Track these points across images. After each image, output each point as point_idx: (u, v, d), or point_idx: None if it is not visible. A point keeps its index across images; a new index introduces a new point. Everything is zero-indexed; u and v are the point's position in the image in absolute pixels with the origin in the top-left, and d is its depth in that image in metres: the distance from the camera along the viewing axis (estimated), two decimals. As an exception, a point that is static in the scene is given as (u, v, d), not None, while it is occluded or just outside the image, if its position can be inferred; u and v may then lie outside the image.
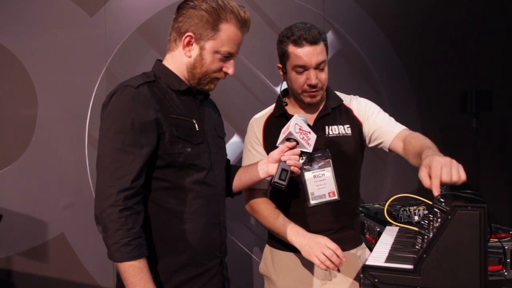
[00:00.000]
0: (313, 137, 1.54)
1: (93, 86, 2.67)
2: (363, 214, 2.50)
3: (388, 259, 1.29)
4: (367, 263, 1.27)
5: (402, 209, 2.34)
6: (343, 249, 1.59)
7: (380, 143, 1.72)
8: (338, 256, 1.48)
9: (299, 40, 1.58)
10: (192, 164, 1.37)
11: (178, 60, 1.42)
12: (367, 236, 2.43)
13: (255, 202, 1.72)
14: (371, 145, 1.76)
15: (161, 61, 1.47)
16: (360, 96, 1.83)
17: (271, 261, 1.76)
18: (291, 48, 1.61)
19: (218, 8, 1.35)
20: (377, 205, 2.70)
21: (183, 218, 1.36)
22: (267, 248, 1.82)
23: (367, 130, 1.73)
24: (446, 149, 3.08)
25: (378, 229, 2.28)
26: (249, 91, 2.79)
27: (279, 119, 1.74)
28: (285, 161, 1.47)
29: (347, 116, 1.75)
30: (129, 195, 1.23)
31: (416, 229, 1.47)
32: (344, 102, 1.77)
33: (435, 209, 1.44)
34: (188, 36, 1.37)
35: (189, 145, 1.36)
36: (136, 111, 1.27)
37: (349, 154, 1.70)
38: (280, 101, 1.78)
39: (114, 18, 2.68)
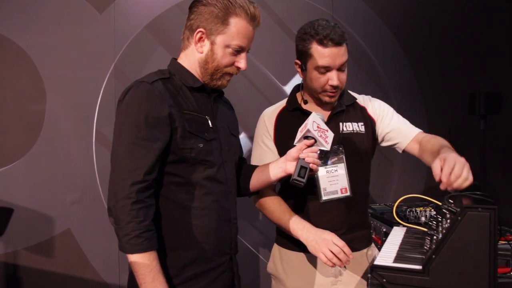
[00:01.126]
0: (330, 135, 1.53)
1: (101, 83, 2.68)
2: (369, 215, 2.49)
3: (397, 259, 1.29)
4: (375, 263, 1.27)
5: (408, 210, 2.34)
6: (354, 249, 1.59)
7: (395, 144, 1.73)
8: (345, 253, 1.47)
9: (325, 40, 1.55)
10: (203, 160, 1.38)
11: (192, 58, 1.44)
12: (373, 236, 2.42)
13: (263, 197, 1.72)
14: (384, 144, 1.76)
15: (175, 59, 1.48)
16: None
17: (280, 261, 1.75)
18: (315, 47, 1.58)
19: (227, 3, 1.37)
20: (383, 206, 2.69)
21: (194, 213, 1.37)
22: (276, 247, 1.80)
23: (381, 129, 1.74)
24: (454, 150, 3.07)
25: (384, 230, 2.27)
26: (257, 90, 2.79)
27: (292, 113, 1.73)
28: (303, 159, 1.46)
29: (361, 114, 1.75)
30: (141, 188, 1.25)
31: (425, 229, 1.46)
32: (357, 101, 1.77)
33: (444, 210, 1.44)
34: (199, 32, 1.39)
35: (201, 140, 1.37)
36: (150, 105, 1.30)
37: (362, 152, 1.70)
38: (294, 95, 1.77)
39: (123, 15, 2.69)
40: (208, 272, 1.40)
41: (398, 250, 1.39)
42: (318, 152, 1.51)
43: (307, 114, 1.67)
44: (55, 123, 2.67)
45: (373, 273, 1.24)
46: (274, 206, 1.68)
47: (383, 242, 2.32)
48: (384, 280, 1.22)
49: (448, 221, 1.25)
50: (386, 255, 1.34)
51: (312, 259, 1.68)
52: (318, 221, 1.64)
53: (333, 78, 1.59)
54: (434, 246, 1.22)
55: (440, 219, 1.44)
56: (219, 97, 1.55)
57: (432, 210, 2.33)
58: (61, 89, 2.67)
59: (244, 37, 1.40)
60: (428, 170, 1.37)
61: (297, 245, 1.64)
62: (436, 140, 1.59)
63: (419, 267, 1.21)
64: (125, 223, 1.23)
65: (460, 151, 3.24)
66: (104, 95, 2.67)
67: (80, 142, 2.69)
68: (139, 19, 2.71)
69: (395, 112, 1.77)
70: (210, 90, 1.47)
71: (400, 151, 1.74)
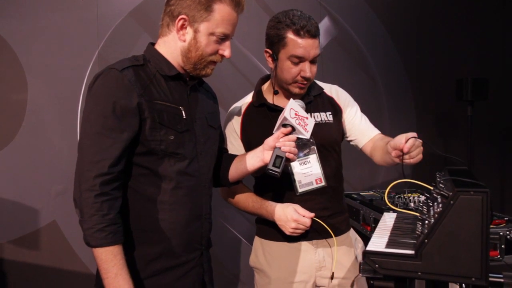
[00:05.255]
0: (311, 122, 1.50)
1: (85, 70, 2.61)
2: (358, 202, 2.50)
3: (389, 245, 1.28)
4: (368, 248, 1.26)
5: (397, 196, 2.35)
6: (336, 234, 1.68)
7: (353, 140, 1.79)
8: (304, 222, 1.57)
9: (302, 31, 1.55)
10: (174, 153, 1.33)
11: (172, 46, 1.37)
12: (362, 223, 2.43)
13: (230, 191, 1.73)
14: (344, 137, 1.81)
15: (153, 44, 1.42)
16: (356, 83, 1.86)
17: (262, 253, 1.74)
18: (291, 37, 1.57)
19: None
20: (371, 192, 2.71)
21: (161, 207, 1.33)
22: (257, 239, 1.79)
23: (346, 121, 1.78)
24: (440, 136, 3.11)
25: (373, 216, 2.28)
26: (243, 76, 2.75)
27: (258, 109, 1.71)
28: (279, 148, 1.42)
29: (329, 103, 1.76)
30: (106, 181, 1.22)
31: (416, 214, 1.46)
32: (324, 90, 1.78)
33: (435, 194, 1.43)
34: (181, 19, 1.33)
35: (172, 132, 1.32)
36: (118, 95, 1.25)
37: (332, 140, 1.72)
38: (259, 89, 1.74)
39: (107, 1, 2.62)
40: (176, 268, 1.36)
41: (390, 236, 1.38)
42: (297, 140, 1.48)
43: (274, 109, 1.67)
44: (37, 113, 2.60)
45: (365, 258, 1.23)
46: (243, 196, 1.70)
47: (372, 228, 2.34)
48: (377, 265, 1.22)
49: (440, 205, 1.25)
50: (377, 240, 1.34)
51: (295, 248, 1.68)
52: None
53: (306, 69, 1.59)
54: (426, 231, 1.22)
55: (431, 204, 1.44)
56: (199, 85, 1.48)
57: (421, 195, 2.35)
58: (43, 78, 2.60)
59: (228, 24, 1.35)
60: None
61: (279, 235, 1.65)
62: (387, 138, 1.68)
63: (411, 251, 1.20)
64: (89, 215, 1.21)
65: (447, 136, 3.28)
66: (88, 83, 2.60)
67: (64, 132, 2.62)
68: (123, 4, 2.64)
69: (358, 109, 1.81)
70: (188, 78, 1.41)
71: (358, 149, 1.81)
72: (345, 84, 1.90)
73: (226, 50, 1.38)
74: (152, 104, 1.29)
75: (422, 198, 2.28)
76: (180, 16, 1.32)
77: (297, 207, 1.60)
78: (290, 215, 1.58)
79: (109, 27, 2.62)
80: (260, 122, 1.66)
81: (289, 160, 1.45)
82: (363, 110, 1.85)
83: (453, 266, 1.15)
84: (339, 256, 1.70)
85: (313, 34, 1.56)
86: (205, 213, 1.44)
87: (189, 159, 1.37)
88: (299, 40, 1.56)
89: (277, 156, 1.41)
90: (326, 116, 1.73)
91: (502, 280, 1.18)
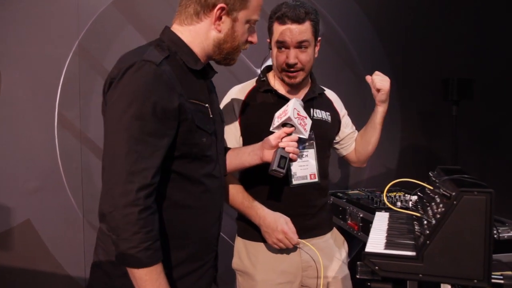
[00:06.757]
0: (309, 122, 1.51)
1: (64, 61, 2.48)
2: (344, 200, 2.48)
3: (388, 246, 1.25)
4: (367, 250, 1.23)
5: (382, 194, 2.34)
6: (319, 234, 1.73)
7: (341, 147, 1.92)
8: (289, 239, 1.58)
9: (283, 17, 1.59)
10: (204, 155, 1.24)
11: (202, 36, 1.25)
12: (349, 222, 2.40)
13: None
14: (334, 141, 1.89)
15: (172, 31, 1.28)
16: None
17: (246, 255, 1.71)
18: (275, 25, 1.62)
19: None
20: (356, 191, 2.70)
21: (190, 212, 1.24)
22: (240, 241, 1.75)
23: (341, 127, 1.87)
24: (426, 135, 3.12)
25: (361, 215, 2.26)
26: (228, 71, 2.69)
27: (264, 94, 1.71)
28: (283, 148, 1.43)
29: (328, 105, 1.82)
30: (149, 193, 1.09)
31: (412, 213, 1.43)
32: (325, 92, 1.85)
33: (431, 194, 1.41)
34: (220, 8, 1.21)
35: (205, 134, 1.23)
36: (159, 94, 1.10)
37: (328, 139, 1.78)
38: (265, 76, 1.75)
39: (88, -11, 2.50)
40: (196, 271, 1.29)
41: (387, 236, 1.35)
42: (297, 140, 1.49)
43: (281, 97, 1.68)
44: (12, 105, 2.46)
45: (365, 260, 1.20)
46: (235, 190, 1.65)
47: (360, 227, 2.32)
48: (377, 267, 1.18)
49: (441, 205, 1.22)
50: (375, 241, 1.31)
51: (281, 249, 1.65)
52: (284, 206, 1.65)
53: (289, 55, 1.60)
54: (427, 232, 1.19)
55: (427, 204, 1.41)
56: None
57: (406, 194, 2.35)
58: (18, 68, 2.45)
59: (260, 9, 1.29)
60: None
61: (262, 236, 1.63)
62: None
63: (412, 253, 1.18)
64: (131, 233, 1.06)
65: (433, 135, 3.30)
66: (67, 75, 2.48)
67: (40, 126, 2.49)
68: (106, -7, 2.53)
69: (349, 118, 1.93)
70: (209, 71, 1.33)
71: (341, 155, 1.95)
72: (331, 82, 1.91)
73: (254, 36, 1.32)
74: (189, 104, 1.18)
75: (408, 197, 2.28)
76: (219, 5, 1.21)
77: (288, 220, 1.60)
78: (281, 226, 1.57)
79: (90, 16, 2.50)
80: (264, 107, 1.66)
81: (291, 161, 1.46)
82: (349, 109, 1.91)
83: (455, 268, 1.12)
84: (324, 256, 1.69)
85: (294, 19, 1.57)
86: (221, 213, 1.39)
87: (215, 160, 1.30)
88: (280, 26, 1.60)
89: (282, 157, 1.40)
90: (326, 116, 1.77)
91: (502, 281, 1.16)
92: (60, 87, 2.50)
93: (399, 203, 2.22)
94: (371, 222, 2.13)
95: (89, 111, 2.49)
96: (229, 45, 1.27)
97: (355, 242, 2.39)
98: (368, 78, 1.75)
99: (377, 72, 1.75)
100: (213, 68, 1.35)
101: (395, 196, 2.32)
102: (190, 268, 1.27)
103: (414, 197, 2.10)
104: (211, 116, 1.28)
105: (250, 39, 1.31)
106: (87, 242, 2.51)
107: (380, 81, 1.71)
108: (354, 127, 1.96)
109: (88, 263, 2.52)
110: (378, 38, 2.95)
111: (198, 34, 1.25)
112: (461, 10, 3.00)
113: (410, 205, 2.14)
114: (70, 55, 2.49)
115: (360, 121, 2.00)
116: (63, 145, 2.52)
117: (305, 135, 1.49)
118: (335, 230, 1.86)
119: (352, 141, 1.93)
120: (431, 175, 1.61)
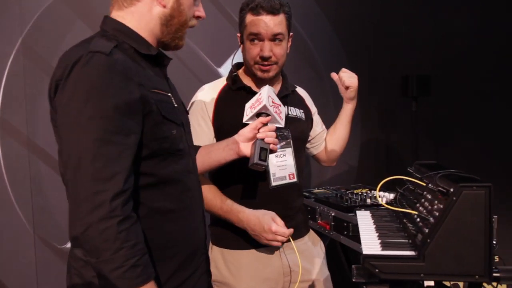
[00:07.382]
0: (283, 110, 1.46)
1: (6, 60, 2.22)
2: (312, 199, 2.45)
3: (384, 247, 1.22)
4: (365, 252, 1.19)
5: (348, 192, 2.33)
6: (298, 236, 1.67)
7: (312, 146, 1.89)
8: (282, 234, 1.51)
9: (257, 8, 1.55)
10: (176, 149, 1.12)
11: (145, 16, 1.11)
12: (319, 221, 2.37)
13: None
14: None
15: (111, 18, 1.13)
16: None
17: (224, 264, 1.61)
18: (249, 16, 1.57)
19: None
20: (322, 190, 2.67)
21: (172, 217, 1.12)
22: (216, 250, 1.65)
23: (313, 126, 1.85)
24: (386, 130, 3.17)
25: (333, 214, 2.23)
26: (189, 71, 2.56)
27: (237, 92, 1.64)
28: (262, 139, 1.35)
29: (300, 102, 1.79)
30: (125, 200, 0.95)
31: (413, 211, 1.40)
32: (297, 90, 1.82)
33: (419, 190, 1.40)
34: None
35: (174, 126, 1.11)
36: (116, 86, 0.97)
37: (303, 137, 1.74)
38: (236, 73, 1.67)
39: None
40: (189, 279, 1.16)
41: (379, 236, 1.32)
42: (276, 130, 1.42)
43: (255, 94, 1.59)
44: None
45: (364, 263, 1.16)
46: (212, 194, 1.56)
47: (332, 227, 2.29)
48: (377, 270, 1.14)
49: (436, 201, 1.20)
50: (369, 242, 1.28)
51: (260, 255, 1.60)
52: (264, 207, 1.57)
53: (264, 48, 1.55)
54: (425, 230, 1.16)
55: (415, 200, 1.40)
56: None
57: (373, 191, 2.35)
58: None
59: None
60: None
61: (241, 242, 1.56)
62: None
63: (413, 253, 1.15)
64: (113, 251, 0.91)
65: (393, 131, 3.35)
66: (10, 76, 2.22)
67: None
68: (51, -15, 2.30)
69: (320, 118, 1.92)
70: (164, 57, 1.20)
71: (311, 155, 1.94)
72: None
73: (201, 10, 1.21)
74: (151, 94, 1.05)
75: (372, 194, 2.28)
76: None
77: (275, 216, 1.51)
78: (268, 226, 1.48)
79: (35, 11, 2.26)
80: (237, 106, 1.57)
81: (272, 152, 1.38)
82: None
83: (456, 265, 1.11)
84: (305, 259, 1.66)
85: (269, 10, 1.53)
86: (203, 211, 1.27)
87: (188, 154, 1.17)
88: (254, 18, 1.56)
89: (262, 149, 1.32)
90: (300, 113, 1.73)
91: (498, 274, 1.16)
92: (2, 88, 2.23)
93: (368, 200, 2.20)
94: (344, 221, 2.11)
95: (37, 115, 2.24)
96: (176, 20, 1.15)
97: (323, 240, 2.36)
98: (334, 75, 1.73)
99: (344, 69, 1.73)
100: (167, 56, 1.23)
101: (362, 193, 2.32)
102: (182, 277, 1.14)
103: (381, 193, 2.08)
104: (175, 105, 1.17)
105: (197, 13, 1.20)
106: (40, 262, 2.26)
107: (348, 78, 1.71)
108: (324, 126, 1.94)
109: (41, 284, 2.28)
110: (337, 37, 2.96)
111: (142, 15, 1.12)
112: (419, 8, 3.08)
113: (384, 202, 2.14)
114: (13, 54, 2.23)
115: (323, 119, 1.98)
116: (8, 154, 2.25)
117: (281, 123, 1.43)
118: (311, 231, 1.83)
119: (322, 140, 1.90)
120: (411, 171, 1.60)
